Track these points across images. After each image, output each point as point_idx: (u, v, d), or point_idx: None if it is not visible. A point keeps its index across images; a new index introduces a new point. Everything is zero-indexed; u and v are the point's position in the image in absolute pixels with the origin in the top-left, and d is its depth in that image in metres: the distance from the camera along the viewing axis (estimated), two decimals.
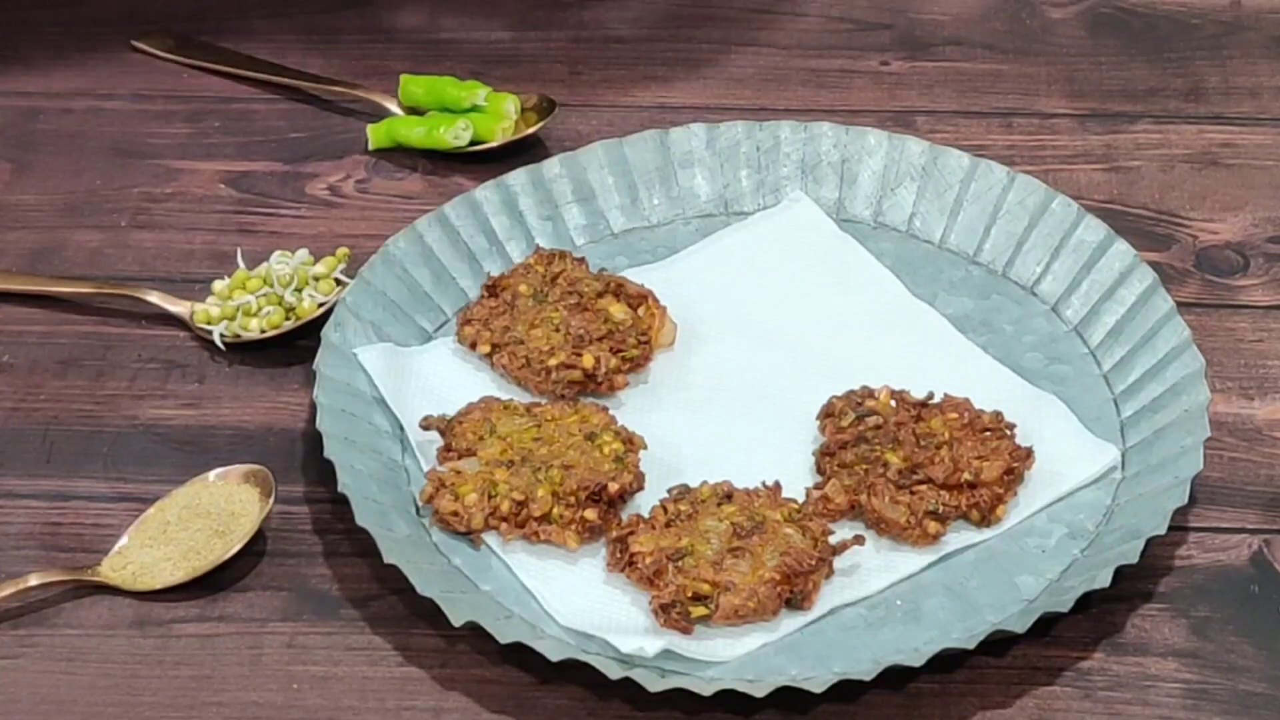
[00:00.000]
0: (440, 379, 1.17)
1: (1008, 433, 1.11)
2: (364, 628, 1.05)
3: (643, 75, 1.44)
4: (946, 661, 1.02)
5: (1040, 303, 1.22)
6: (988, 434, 1.11)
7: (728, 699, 1.00)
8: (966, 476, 1.08)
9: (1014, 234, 1.25)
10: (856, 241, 1.26)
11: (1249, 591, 1.08)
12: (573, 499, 1.07)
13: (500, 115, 1.36)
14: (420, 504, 1.10)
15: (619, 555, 1.06)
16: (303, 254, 1.24)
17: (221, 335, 1.21)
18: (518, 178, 1.27)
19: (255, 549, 1.09)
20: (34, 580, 1.06)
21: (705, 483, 1.10)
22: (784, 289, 1.23)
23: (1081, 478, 1.11)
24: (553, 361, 1.15)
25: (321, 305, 1.22)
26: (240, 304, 1.21)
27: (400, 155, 1.36)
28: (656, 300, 1.20)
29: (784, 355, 1.19)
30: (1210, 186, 1.34)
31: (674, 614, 1.03)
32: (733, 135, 1.30)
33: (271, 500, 1.09)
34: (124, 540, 1.09)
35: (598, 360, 1.15)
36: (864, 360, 1.18)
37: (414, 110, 1.39)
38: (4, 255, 1.28)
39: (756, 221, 1.27)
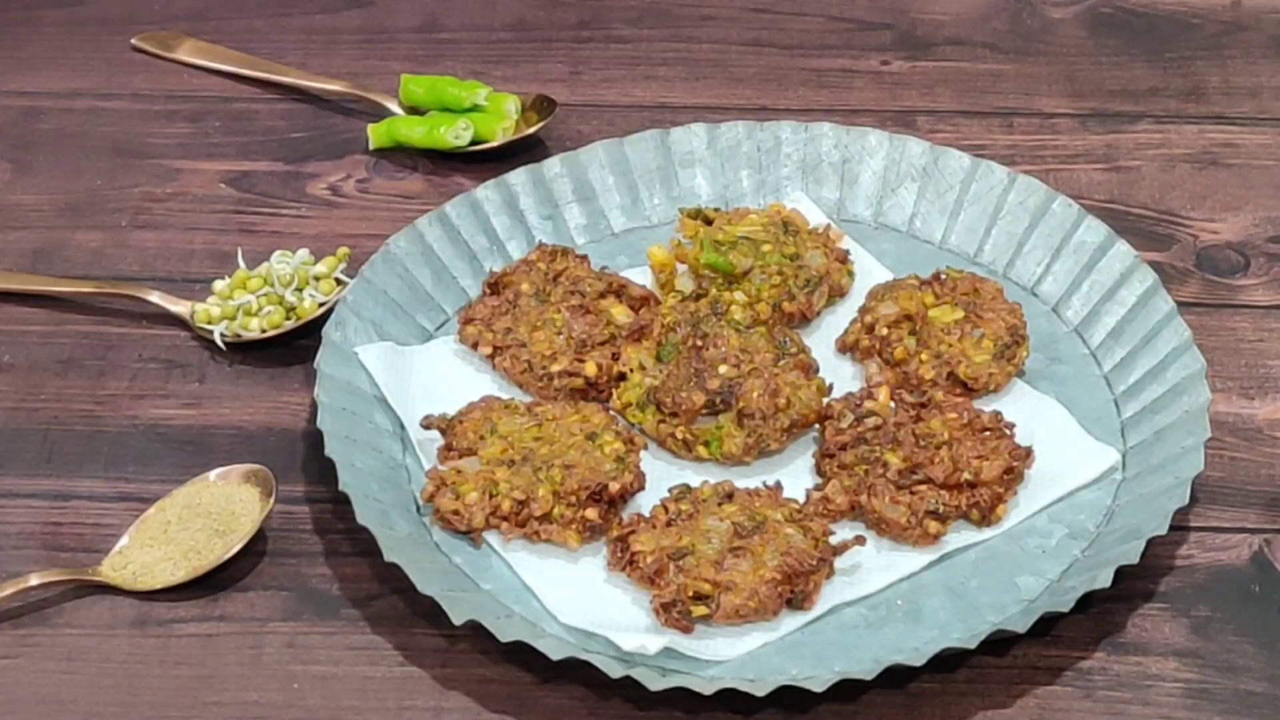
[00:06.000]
0: (441, 378, 1.17)
1: (1007, 432, 1.11)
2: (365, 627, 1.05)
3: (643, 75, 1.44)
4: (947, 661, 1.02)
5: (1041, 303, 1.22)
6: (987, 434, 1.11)
7: (729, 698, 1.00)
8: (966, 476, 1.08)
9: (1015, 234, 1.25)
10: (857, 242, 1.26)
11: (1249, 591, 1.08)
12: (574, 498, 1.07)
13: (501, 115, 1.36)
14: (421, 503, 1.10)
15: (620, 554, 1.06)
16: (303, 254, 1.24)
17: (222, 335, 1.21)
18: (518, 177, 1.27)
19: (256, 549, 1.09)
20: (34, 580, 1.06)
21: (706, 482, 1.10)
22: None
23: (1081, 480, 1.11)
24: (555, 368, 1.15)
25: (322, 305, 1.22)
26: (241, 304, 1.21)
27: (401, 155, 1.36)
28: (659, 301, 1.20)
29: None
30: (1211, 186, 1.34)
31: (675, 613, 1.03)
32: (733, 135, 1.30)
33: (272, 500, 1.09)
34: (124, 540, 1.09)
35: (600, 368, 1.15)
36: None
37: (414, 110, 1.39)
38: (4, 255, 1.29)
39: None
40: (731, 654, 1.03)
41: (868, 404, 1.12)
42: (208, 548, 1.08)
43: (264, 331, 1.21)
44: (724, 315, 1.17)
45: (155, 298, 1.23)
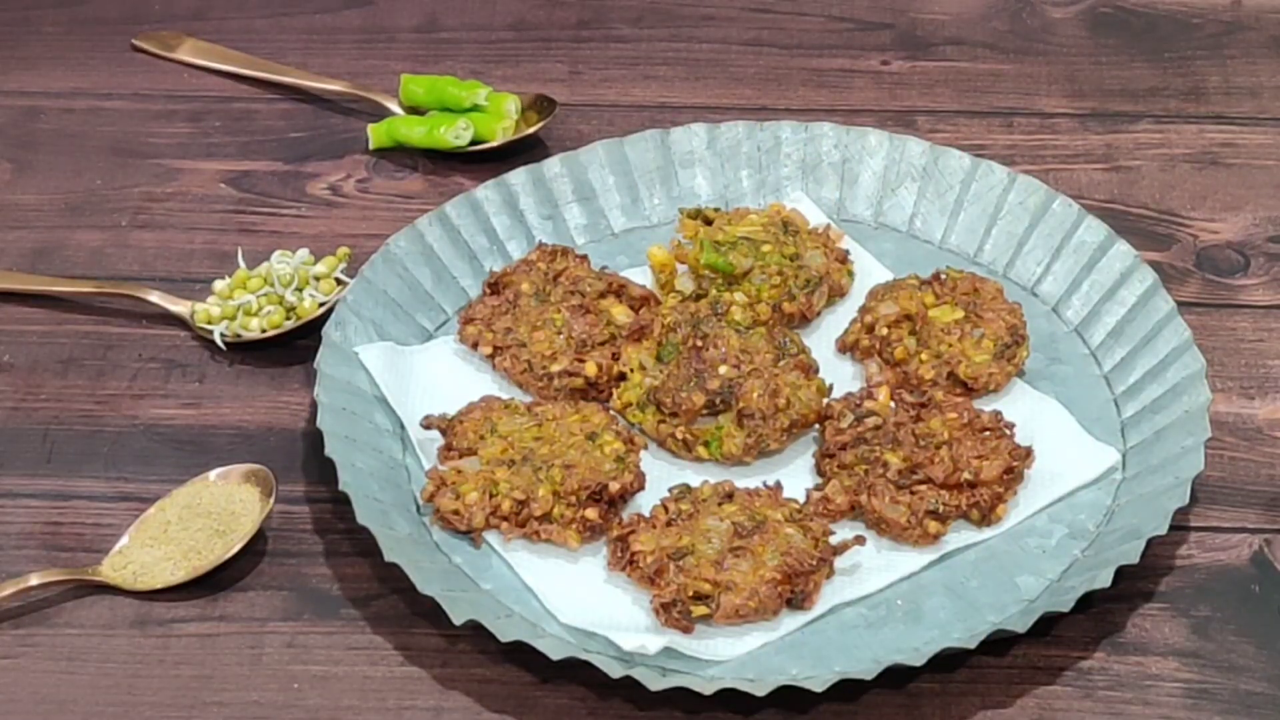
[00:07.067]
0: (441, 378, 1.17)
1: (1007, 432, 1.11)
2: (365, 627, 1.05)
3: (643, 75, 1.44)
4: (947, 661, 1.02)
5: (1041, 303, 1.22)
6: (987, 433, 1.11)
7: (729, 698, 1.00)
8: (966, 476, 1.08)
9: (1015, 234, 1.25)
10: (857, 242, 1.26)
11: (1249, 591, 1.08)
12: (574, 498, 1.07)
13: (501, 115, 1.36)
14: (421, 503, 1.10)
15: (620, 554, 1.06)
16: (303, 253, 1.24)
17: (222, 335, 1.21)
18: (518, 177, 1.27)
19: (256, 549, 1.09)
20: (34, 580, 1.06)
21: (706, 482, 1.10)
22: None
23: (1081, 480, 1.11)
24: (555, 368, 1.15)
25: (322, 305, 1.22)
26: (241, 303, 1.21)
27: (401, 155, 1.36)
28: (659, 301, 1.20)
29: None
30: (1211, 186, 1.34)
31: (675, 613, 1.03)
32: (733, 135, 1.30)
33: (272, 500, 1.09)
34: (124, 540, 1.09)
35: (600, 368, 1.15)
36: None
37: (414, 110, 1.39)
38: (4, 255, 1.29)
39: None
40: (731, 654, 1.03)
41: (868, 404, 1.12)
42: (208, 548, 1.08)
43: (264, 331, 1.21)
44: (724, 316, 1.17)
45: (155, 298, 1.23)
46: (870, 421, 1.11)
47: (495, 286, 1.21)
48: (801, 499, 1.10)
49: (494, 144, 1.35)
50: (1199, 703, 1.02)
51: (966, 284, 1.19)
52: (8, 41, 1.48)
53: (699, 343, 1.14)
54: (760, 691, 0.99)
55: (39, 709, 1.02)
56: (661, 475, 1.11)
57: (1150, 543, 1.05)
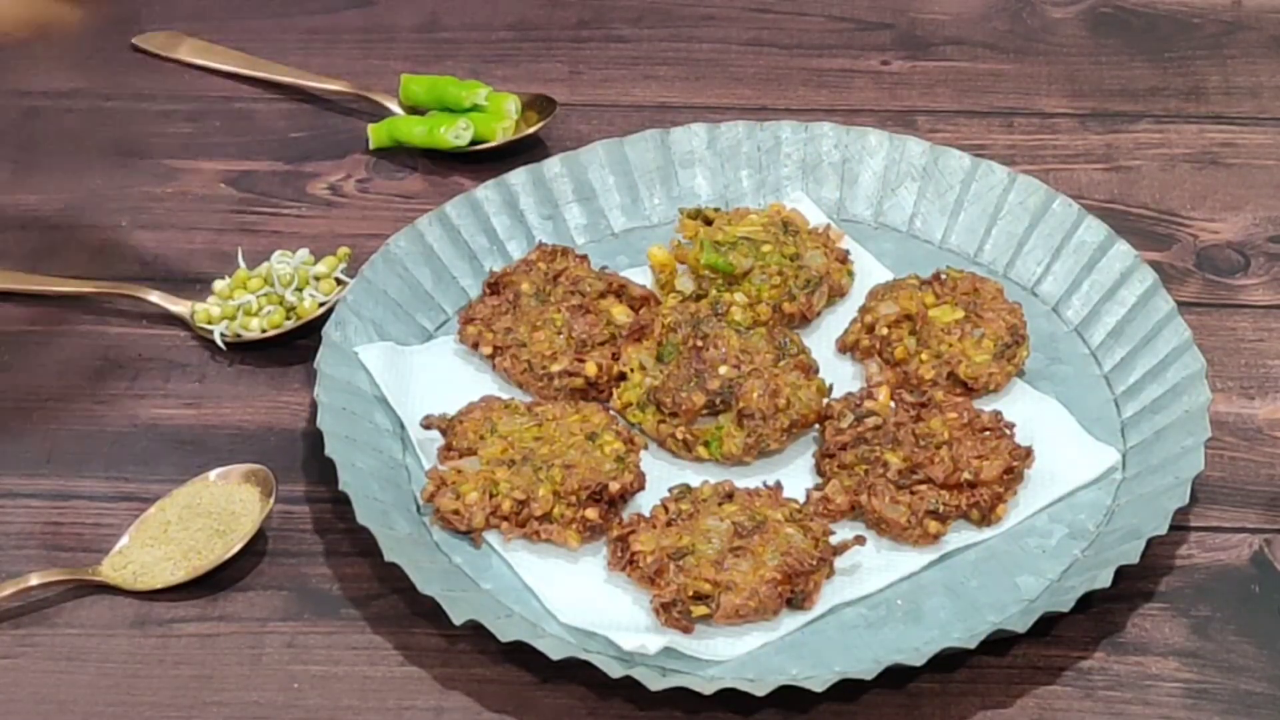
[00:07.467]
0: (441, 377, 1.17)
1: (1007, 432, 1.11)
2: (365, 627, 1.05)
3: (643, 75, 1.44)
4: (947, 661, 1.02)
5: (1041, 303, 1.22)
6: (987, 433, 1.11)
7: (729, 698, 1.00)
8: (966, 476, 1.08)
9: (1015, 234, 1.25)
10: (857, 242, 1.26)
11: (1249, 591, 1.08)
12: (574, 498, 1.07)
13: (501, 115, 1.36)
14: (421, 503, 1.10)
15: (620, 554, 1.06)
16: (303, 253, 1.24)
17: (222, 335, 1.21)
18: (518, 177, 1.27)
19: (256, 549, 1.09)
20: (34, 580, 1.06)
21: (706, 482, 1.10)
22: None
23: (1081, 480, 1.11)
24: (555, 368, 1.15)
25: (322, 305, 1.22)
26: (241, 303, 1.21)
27: (401, 155, 1.36)
28: (659, 301, 1.20)
29: None
30: (1211, 186, 1.34)
31: (675, 613, 1.03)
32: (733, 135, 1.30)
33: (272, 500, 1.09)
34: (124, 540, 1.09)
35: (600, 368, 1.15)
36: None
37: (414, 110, 1.39)
38: (4, 255, 1.28)
39: None
40: (731, 654, 1.03)
41: (868, 404, 1.12)
42: (208, 548, 1.08)
43: (264, 331, 1.21)
44: (724, 316, 1.17)
45: (155, 298, 1.23)
46: (870, 421, 1.11)
47: (495, 286, 1.21)
48: (801, 499, 1.10)
49: (494, 144, 1.35)
50: (1199, 703, 1.02)
51: (966, 284, 1.19)
52: (8, 41, 1.48)
53: (699, 343, 1.14)
54: (760, 691, 0.99)
55: (39, 709, 1.02)
56: (661, 475, 1.11)
57: (1150, 543, 1.05)
